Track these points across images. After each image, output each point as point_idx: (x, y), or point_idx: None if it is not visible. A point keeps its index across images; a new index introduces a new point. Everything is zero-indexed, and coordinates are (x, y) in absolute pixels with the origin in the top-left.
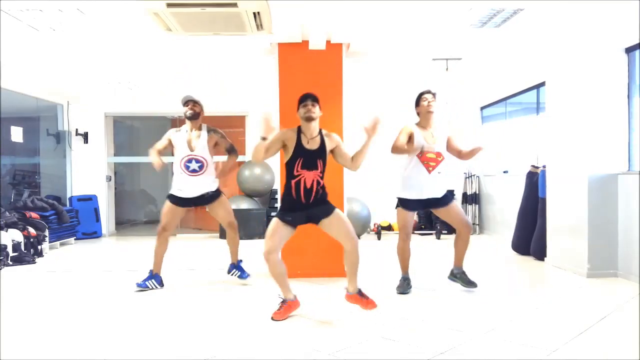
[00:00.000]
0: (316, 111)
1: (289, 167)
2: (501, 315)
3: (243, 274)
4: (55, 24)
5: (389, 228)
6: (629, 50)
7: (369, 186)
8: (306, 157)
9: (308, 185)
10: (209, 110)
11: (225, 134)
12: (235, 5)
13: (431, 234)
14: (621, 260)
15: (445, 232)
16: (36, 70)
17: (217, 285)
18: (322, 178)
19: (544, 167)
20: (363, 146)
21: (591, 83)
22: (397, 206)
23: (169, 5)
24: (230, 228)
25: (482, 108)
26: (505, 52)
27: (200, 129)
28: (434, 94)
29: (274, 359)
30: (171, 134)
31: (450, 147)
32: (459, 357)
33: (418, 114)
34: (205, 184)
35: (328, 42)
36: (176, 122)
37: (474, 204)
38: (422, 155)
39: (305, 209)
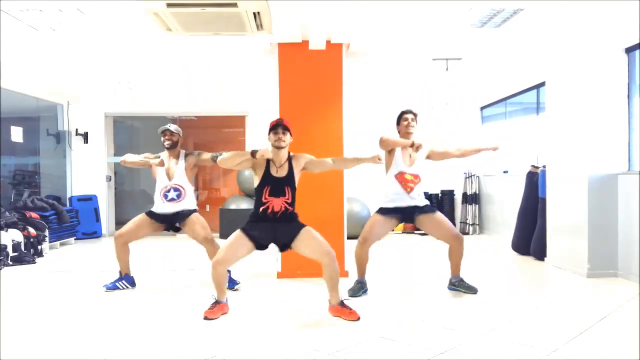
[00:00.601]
0: (286, 139)
1: (257, 193)
2: (501, 315)
3: (231, 285)
4: (55, 24)
5: None
6: (629, 50)
7: (369, 186)
8: (274, 185)
9: (276, 210)
10: (208, 110)
11: (202, 151)
12: (235, 5)
13: None
14: (621, 260)
15: None
16: (36, 70)
17: None
18: (290, 205)
19: (544, 167)
20: (359, 160)
21: (591, 83)
22: (375, 212)
23: (169, 5)
24: (207, 243)
25: (482, 108)
26: (505, 52)
27: (178, 156)
28: (415, 115)
29: (274, 359)
30: (149, 157)
31: (442, 155)
32: (459, 357)
33: (398, 132)
34: (182, 207)
35: (328, 42)
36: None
37: (474, 204)
38: (400, 175)
39: (272, 222)
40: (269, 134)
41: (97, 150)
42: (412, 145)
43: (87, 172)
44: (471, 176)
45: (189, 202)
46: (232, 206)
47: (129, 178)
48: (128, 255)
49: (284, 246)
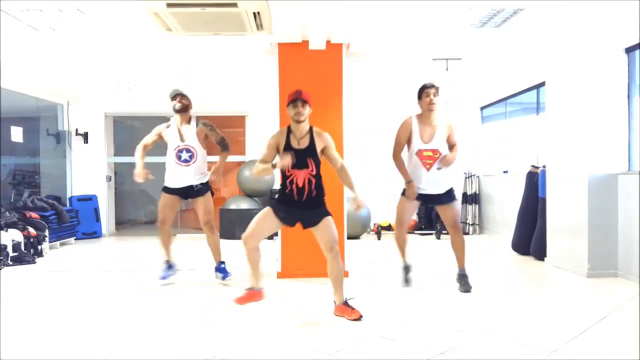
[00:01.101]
0: (305, 112)
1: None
2: (501, 315)
3: (225, 275)
4: (55, 24)
5: (389, 228)
6: (629, 50)
7: (369, 186)
8: (296, 157)
9: (300, 184)
10: (208, 110)
11: (218, 129)
12: (235, 5)
13: (431, 234)
14: (621, 260)
15: (445, 232)
16: (36, 70)
17: (217, 285)
18: (315, 177)
19: (544, 167)
20: (353, 189)
21: (591, 83)
22: (401, 195)
23: (169, 5)
24: (207, 227)
25: (482, 108)
26: (505, 52)
27: (189, 122)
28: (437, 88)
29: (274, 359)
30: (161, 128)
31: (450, 142)
32: (459, 357)
33: (420, 107)
34: (195, 175)
35: (328, 42)
36: None
37: (474, 204)
38: (419, 153)
39: (298, 208)
40: (288, 107)
41: (97, 150)
42: (409, 182)
43: (87, 172)
44: (471, 176)
45: (201, 169)
46: (232, 206)
47: (129, 178)
48: (170, 241)
49: (305, 225)
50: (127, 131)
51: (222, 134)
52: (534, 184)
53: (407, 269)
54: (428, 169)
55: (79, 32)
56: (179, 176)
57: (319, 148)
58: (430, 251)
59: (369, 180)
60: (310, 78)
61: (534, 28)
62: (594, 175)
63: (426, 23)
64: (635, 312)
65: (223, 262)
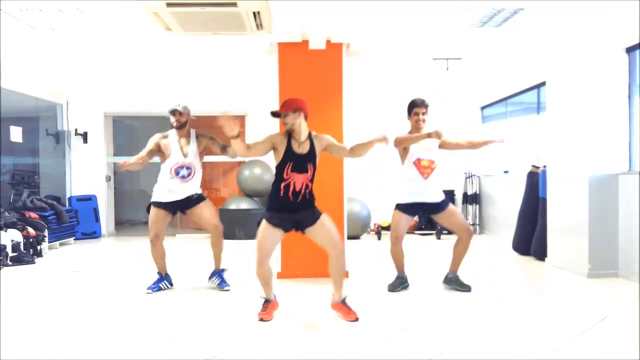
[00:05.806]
0: (288, 121)
1: (278, 170)
2: (501, 315)
3: (222, 284)
4: (55, 24)
5: (389, 228)
6: (630, 50)
7: (369, 186)
8: (296, 161)
9: (297, 189)
10: (208, 110)
11: (215, 136)
12: (235, 4)
13: (431, 234)
14: (622, 260)
15: (446, 232)
16: (36, 69)
17: (215, 287)
18: (311, 182)
19: (544, 167)
20: (368, 143)
21: (592, 83)
22: (395, 208)
23: (169, 4)
24: (216, 231)
25: (482, 108)
26: (506, 52)
27: (188, 135)
28: (426, 107)
29: (274, 359)
30: (159, 138)
31: (454, 146)
32: (459, 357)
33: (409, 122)
34: (192, 188)
35: (328, 41)
36: None
37: (474, 204)
38: (417, 162)
39: (292, 211)
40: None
41: (97, 150)
42: (429, 136)
43: (86, 172)
44: (471, 176)
45: (197, 184)
46: (232, 206)
47: (129, 178)
48: (164, 255)
49: (301, 229)
50: (126, 131)
51: (221, 141)
52: (535, 184)
53: (402, 280)
54: (425, 178)
55: (79, 31)
56: (175, 191)
57: (318, 152)
58: (430, 251)
59: (369, 180)
60: (310, 78)
61: (535, 28)
62: (594, 176)
63: (426, 23)
64: (635, 312)
65: (224, 270)
